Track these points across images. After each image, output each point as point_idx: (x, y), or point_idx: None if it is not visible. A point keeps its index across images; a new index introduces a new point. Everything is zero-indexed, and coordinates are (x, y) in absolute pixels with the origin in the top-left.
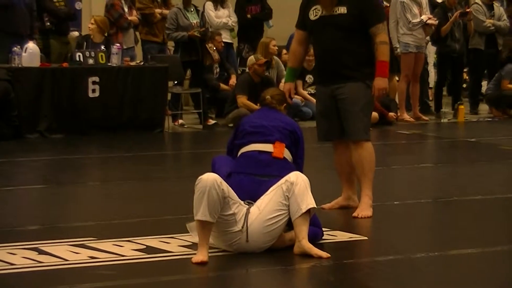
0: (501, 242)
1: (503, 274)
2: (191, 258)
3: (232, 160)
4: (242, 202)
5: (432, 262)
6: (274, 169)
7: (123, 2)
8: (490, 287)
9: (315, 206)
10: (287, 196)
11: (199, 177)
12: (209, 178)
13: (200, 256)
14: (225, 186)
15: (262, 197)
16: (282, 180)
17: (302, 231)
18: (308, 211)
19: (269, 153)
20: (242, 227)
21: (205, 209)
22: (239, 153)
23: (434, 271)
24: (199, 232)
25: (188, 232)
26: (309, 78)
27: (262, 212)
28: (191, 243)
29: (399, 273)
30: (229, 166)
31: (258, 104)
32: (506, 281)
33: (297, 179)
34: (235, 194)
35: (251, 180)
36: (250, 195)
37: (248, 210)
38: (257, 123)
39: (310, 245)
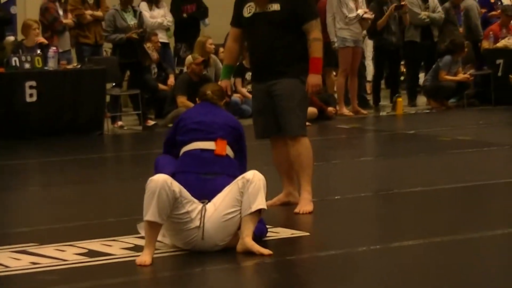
0: (442, 233)
1: (444, 265)
2: (135, 259)
3: (174, 160)
4: (196, 200)
5: (374, 255)
6: (217, 167)
7: (57, 5)
8: (432, 278)
9: (266, 208)
10: (241, 192)
11: (150, 178)
12: (160, 179)
13: (144, 257)
14: (176, 186)
15: (218, 195)
16: (239, 177)
17: (248, 229)
18: (258, 211)
19: (212, 151)
20: (200, 225)
21: (154, 210)
22: (182, 151)
23: (376, 264)
24: (147, 232)
25: (131, 234)
26: (248, 75)
27: (217, 209)
28: (133, 245)
29: (341, 267)
30: (172, 165)
31: (198, 99)
32: (448, 272)
33: (253, 177)
34: (188, 192)
35: (196, 178)
36: (196, 193)
37: (204, 207)
38: (198, 119)
39: (253, 242)
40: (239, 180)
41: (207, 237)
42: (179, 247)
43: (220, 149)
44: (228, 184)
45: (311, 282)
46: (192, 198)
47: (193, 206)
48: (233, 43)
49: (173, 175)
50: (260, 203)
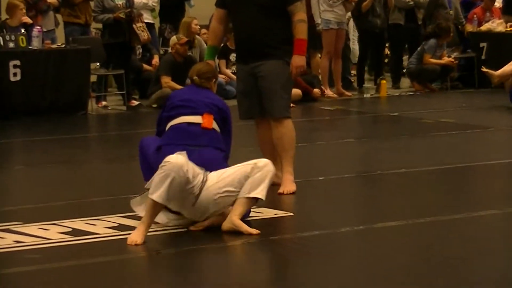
0: (424, 214)
1: (427, 246)
2: (120, 238)
3: (159, 139)
4: (199, 170)
5: (358, 236)
6: (204, 140)
7: None
8: (415, 259)
9: (264, 199)
10: (248, 176)
11: (167, 158)
12: (178, 163)
13: (136, 236)
14: (190, 173)
15: (227, 168)
16: (252, 161)
17: (238, 209)
18: (255, 199)
19: (198, 124)
20: (197, 192)
21: (164, 193)
22: (168, 126)
23: (360, 244)
24: (148, 210)
25: (116, 213)
26: (233, 57)
27: (219, 181)
28: (118, 224)
29: (325, 247)
30: (157, 142)
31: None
32: (430, 252)
33: (264, 166)
34: (197, 168)
35: (182, 149)
36: None
37: (205, 176)
38: (185, 97)
39: (240, 222)
40: (250, 164)
41: (198, 205)
42: (161, 224)
43: (207, 123)
44: (214, 156)
45: (295, 262)
46: (199, 170)
47: (198, 177)
48: (218, 24)
49: (159, 148)
50: (260, 192)
